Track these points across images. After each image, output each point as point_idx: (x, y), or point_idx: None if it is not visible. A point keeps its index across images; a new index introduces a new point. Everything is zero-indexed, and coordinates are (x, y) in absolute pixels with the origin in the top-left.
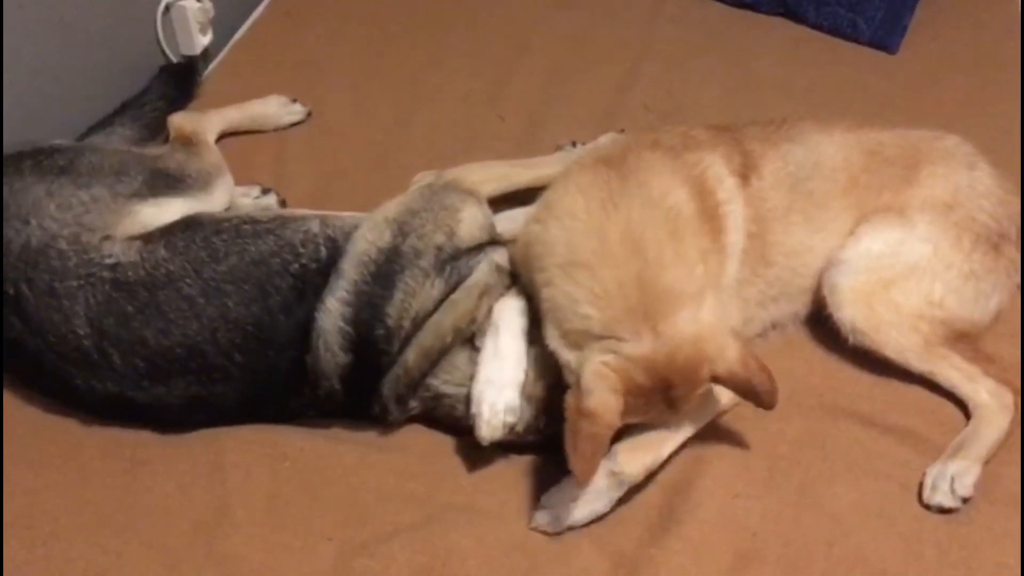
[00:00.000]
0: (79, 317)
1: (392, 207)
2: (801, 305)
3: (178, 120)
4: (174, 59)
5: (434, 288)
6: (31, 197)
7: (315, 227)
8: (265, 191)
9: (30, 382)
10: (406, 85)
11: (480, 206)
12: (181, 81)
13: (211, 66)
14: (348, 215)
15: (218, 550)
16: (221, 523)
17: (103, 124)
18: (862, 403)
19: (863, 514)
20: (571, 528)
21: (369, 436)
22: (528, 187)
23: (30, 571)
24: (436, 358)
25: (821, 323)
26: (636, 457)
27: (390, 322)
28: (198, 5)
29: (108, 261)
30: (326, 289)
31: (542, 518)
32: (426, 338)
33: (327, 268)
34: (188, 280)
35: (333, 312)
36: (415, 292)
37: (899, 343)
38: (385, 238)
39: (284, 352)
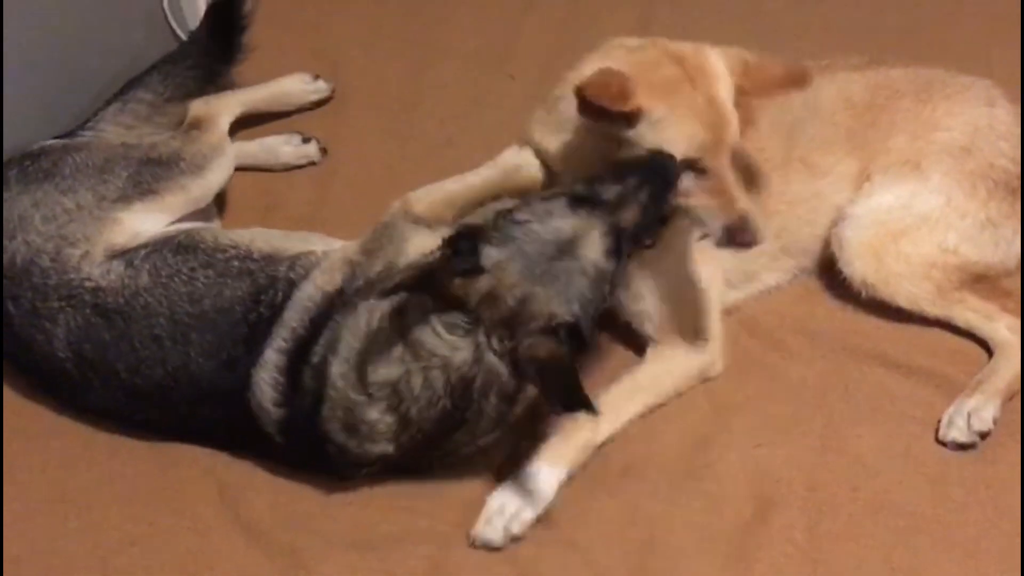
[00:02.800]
0: (59, 340)
1: (351, 247)
2: (816, 255)
3: (195, 106)
4: (182, 34)
5: (359, 316)
6: (17, 210)
7: (283, 270)
8: (306, 140)
9: (33, 388)
10: (414, 45)
11: (431, 233)
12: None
13: None
14: (321, 251)
15: (244, 515)
16: (246, 490)
17: (121, 92)
18: (884, 346)
19: (887, 456)
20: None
21: None
22: (488, 194)
23: (65, 544)
24: (361, 366)
25: (832, 271)
26: (569, 448)
27: (315, 359)
28: None
29: (89, 284)
30: (266, 340)
31: (488, 533)
32: (345, 344)
33: (277, 315)
34: (162, 319)
35: (269, 363)
36: (341, 325)
37: (911, 292)
38: (336, 280)
39: (233, 409)
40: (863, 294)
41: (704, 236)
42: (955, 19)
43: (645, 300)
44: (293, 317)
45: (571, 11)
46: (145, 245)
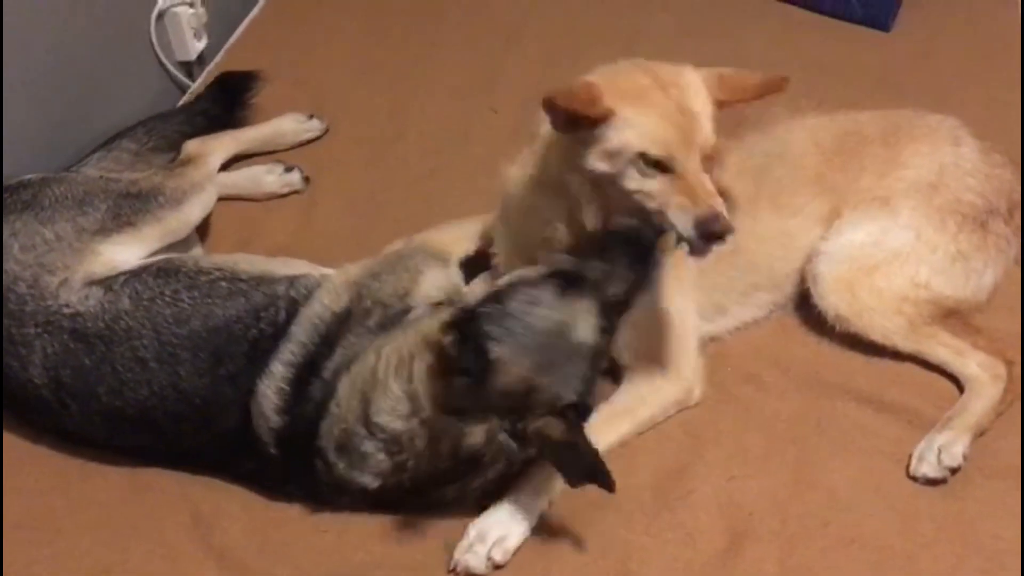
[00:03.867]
0: (35, 366)
1: (355, 269)
2: (790, 293)
3: (190, 144)
4: (169, 65)
5: (368, 353)
6: None
7: (282, 289)
8: (288, 169)
9: (8, 414)
10: (399, 80)
11: (444, 269)
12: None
13: (205, 71)
14: (319, 274)
15: (217, 543)
16: (220, 517)
17: (108, 142)
18: (857, 380)
19: (859, 491)
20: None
21: None
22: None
23: (37, 570)
24: (368, 397)
25: (809, 306)
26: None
27: (326, 375)
28: (191, 11)
29: (67, 311)
30: (273, 354)
31: (470, 560)
32: (357, 375)
33: (282, 332)
34: (145, 341)
35: (276, 375)
36: (355, 349)
37: (884, 327)
38: (342, 301)
39: (229, 422)
40: (837, 328)
41: (680, 241)
42: (930, 59)
43: (619, 330)
44: (301, 333)
45: (554, 46)
46: (124, 272)
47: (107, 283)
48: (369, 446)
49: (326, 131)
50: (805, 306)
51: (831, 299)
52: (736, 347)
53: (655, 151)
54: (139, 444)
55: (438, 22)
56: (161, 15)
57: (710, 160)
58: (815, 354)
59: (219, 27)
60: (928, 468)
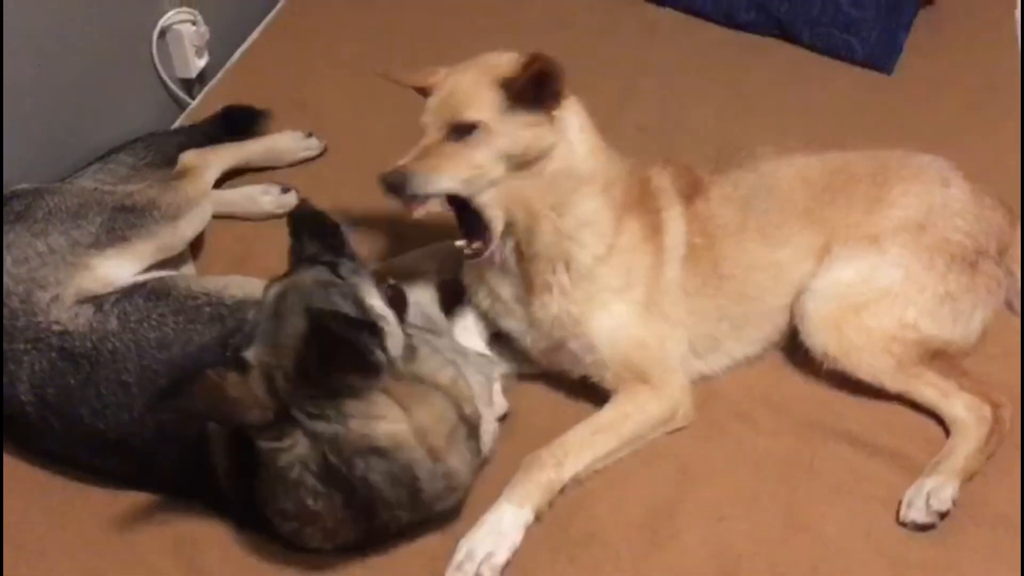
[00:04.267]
0: (23, 383)
1: None
2: (783, 327)
3: (187, 156)
4: (169, 82)
5: None
6: None
7: (251, 314)
8: (285, 190)
9: None
10: (399, 104)
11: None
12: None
13: (207, 88)
14: None
15: (198, 565)
16: (201, 542)
17: (106, 155)
18: (849, 423)
19: (849, 535)
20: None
21: None
22: None
23: None
24: None
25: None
26: (533, 488)
27: None
28: (194, 28)
29: (56, 328)
30: None
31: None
32: None
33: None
34: (129, 365)
35: None
36: None
37: (871, 366)
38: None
39: (196, 454)
40: (825, 366)
41: None
42: (931, 103)
43: (598, 350)
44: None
45: None
46: (117, 291)
47: (98, 302)
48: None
49: (324, 151)
50: (798, 346)
51: (819, 337)
52: (729, 385)
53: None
54: (119, 469)
55: (440, 48)
56: (164, 32)
57: (461, 130)
58: (808, 395)
59: (221, 46)
60: (917, 513)
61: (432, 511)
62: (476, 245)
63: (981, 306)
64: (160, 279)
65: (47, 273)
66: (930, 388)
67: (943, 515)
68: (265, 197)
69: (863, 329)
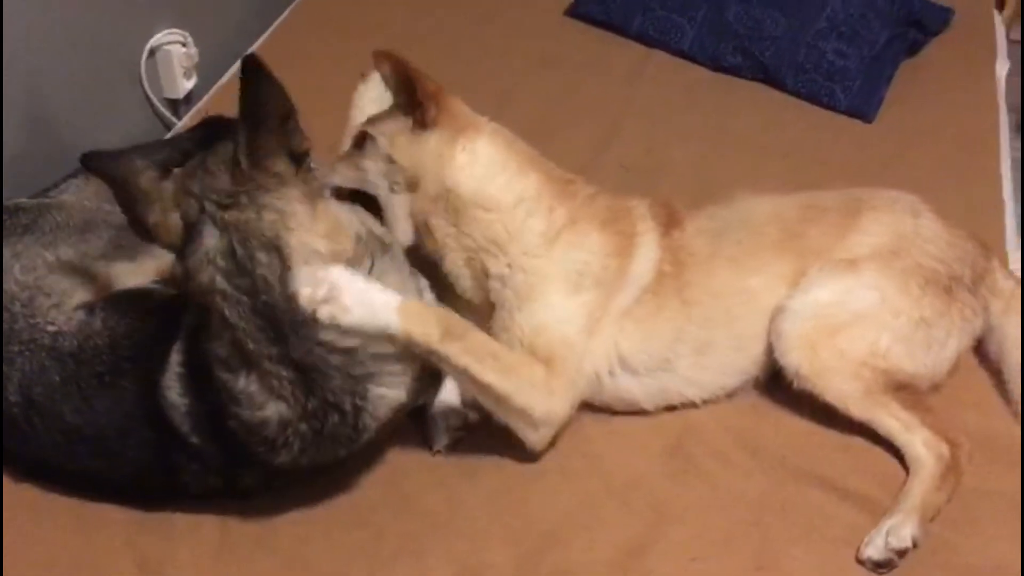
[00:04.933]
0: (12, 383)
1: None
2: (757, 358)
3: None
4: (156, 102)
5: None
6: None
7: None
8: None
9: None
10: None
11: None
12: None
13: (192, 110)
14: None
15: None
16: (166, 565)
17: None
18: (823, 467)
19: None
20: None
21: (316, 491)
22: None
23: None
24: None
25: (783, 387)
26: (423, 318)
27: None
28: (183, 50)
29: (50, 329)
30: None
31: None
32: None
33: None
34: (105, 357)
35: (172, 363)
36: None
37: (841, 389)
38: None
39: (158, 428)
40: (795, 384)
41: None
42: (910, 153)
43: (528, 329)
44: (182, 343)
45: (543, 113)
46: (103, 299)
47: (90, 306)
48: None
49: None
50: (775, 386)
51: (793, 356)
52: (707, 424)
53: None
54: (92, 466)
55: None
56: (153, 51)
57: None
58: (784, 436)
59: (210, 67)
60: (874, 551)
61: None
62: None
63: (956, 334)
64: (140, 287)
65: (53, 282)
66: (893, 419)
67: (901, 553)
68: None
69: (837, 351)
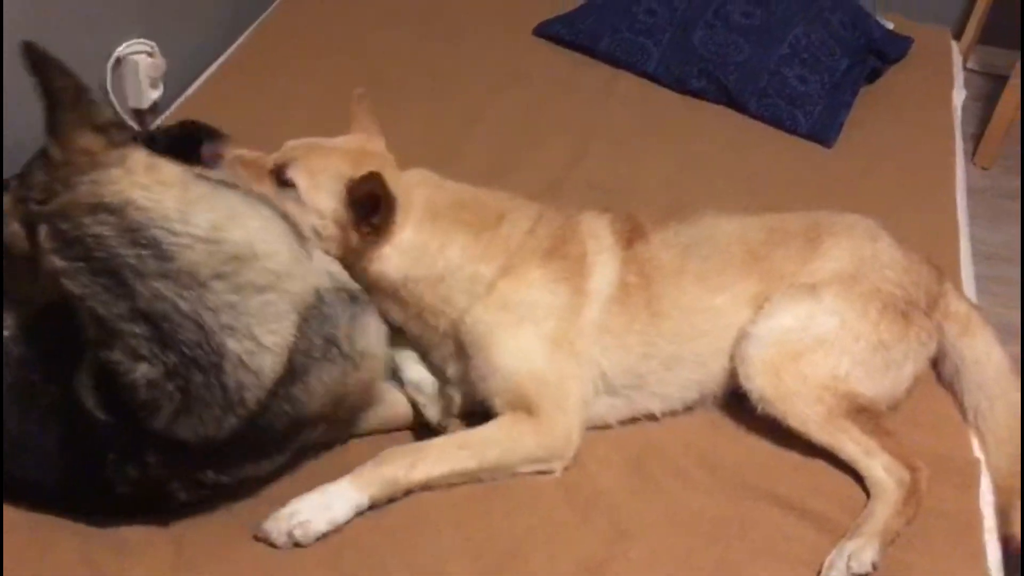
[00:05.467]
0: None
1: None
2: (716, 373)
3: None
4: (122, 112)
5: None
6: None
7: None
8: None
9: None
10: None
11: None
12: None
13: (157, 121)
14: None
15: None
16: None
17: None
18: (782, 486)
19: None
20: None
21: (272, 504)
22: None
23: None
24: None
25: (741, 406)
26: (377, 477)
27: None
28: (150, 60)
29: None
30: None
31: (271, 529)
32: None
33: None
34: (35, 363)
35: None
36: None
37: (803, 413)
38: None
39: (84, 424)
40: (758, 408)
41: None
42: (868, 177)
43: (497, 373)
44: None
45: (512, 132)
46: None
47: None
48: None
49: None
50: (733, 404)
51: (758, 381)
52: (667, 442)
53: None
54: (33, 477)
55: (399, 100)
56: (119, 60)
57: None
58: (743, 455)
59: (177, 78)
60: (836, 574)
61: (203, 281)
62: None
63: (912, 357)
64: None
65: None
66: (853, 444)
67: None
68: None
69: (799, 376)
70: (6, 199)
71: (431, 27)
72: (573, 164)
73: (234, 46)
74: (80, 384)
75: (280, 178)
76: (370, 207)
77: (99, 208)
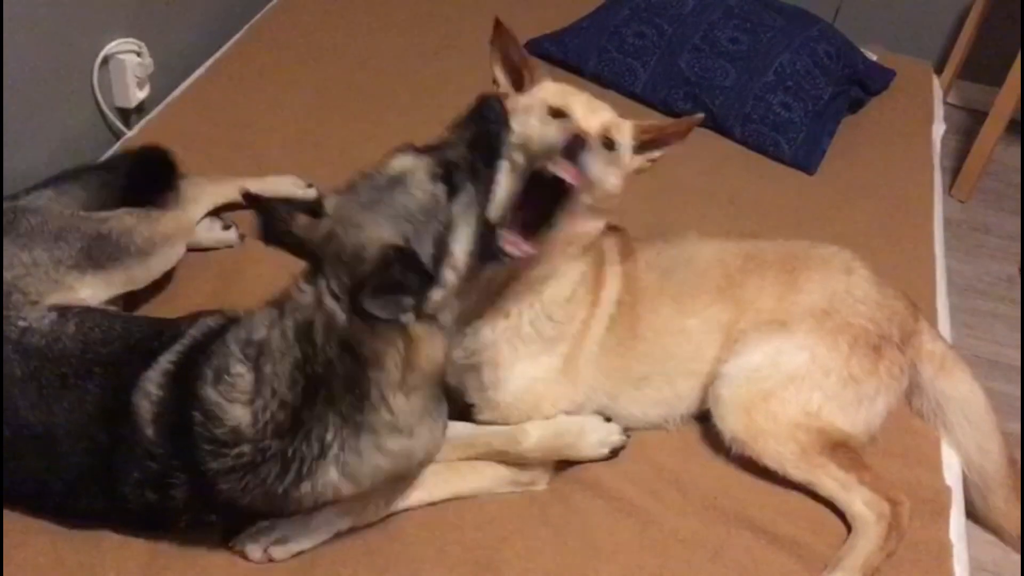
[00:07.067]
0: None
1: None
2: (683, 395)
3: (183, 183)
4: (107, 110)
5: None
6: None
7: (184, 324)
8: (226, 227)
9: None
10: (341, 159)
11: None
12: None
13: (143, 121)
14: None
15: None
16: None
17: (59, 179)
18: (754, 510)
19: None
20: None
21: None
22: None
23: None
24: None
25: (711, 429)
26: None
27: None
28: (138, 60)
29: (21, 324)
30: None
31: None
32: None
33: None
34: (73, 360)
35: (162, 362)
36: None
37: (777, 452)
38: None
39: (118, 437)
40: (732, 449)
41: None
42: (848, 204)
43: (501, 391)
44: (184, 341)
45: None
46: (81, 306)
47: (63, 310)
48: (237, 367)
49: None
50: (708, 428)
51: (729, 421)
52: (641, 464)
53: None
54: (33, 469)
55: (384, 108)
56: (107, 59)
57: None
58: (716, 479)
59: (164, 79)
60: None
61: (362, 432)
62: (523, 246)
63: (884, 391)
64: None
65: (30, 283)
66: (831, 480)
67: None
68: (207, 233)
69: (770, 415)
70: (314, 227)
71: (421, 38)
72: None
73: (223, 49)
74: (143, 392)
75: (607, 143)
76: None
77: (353, 352)
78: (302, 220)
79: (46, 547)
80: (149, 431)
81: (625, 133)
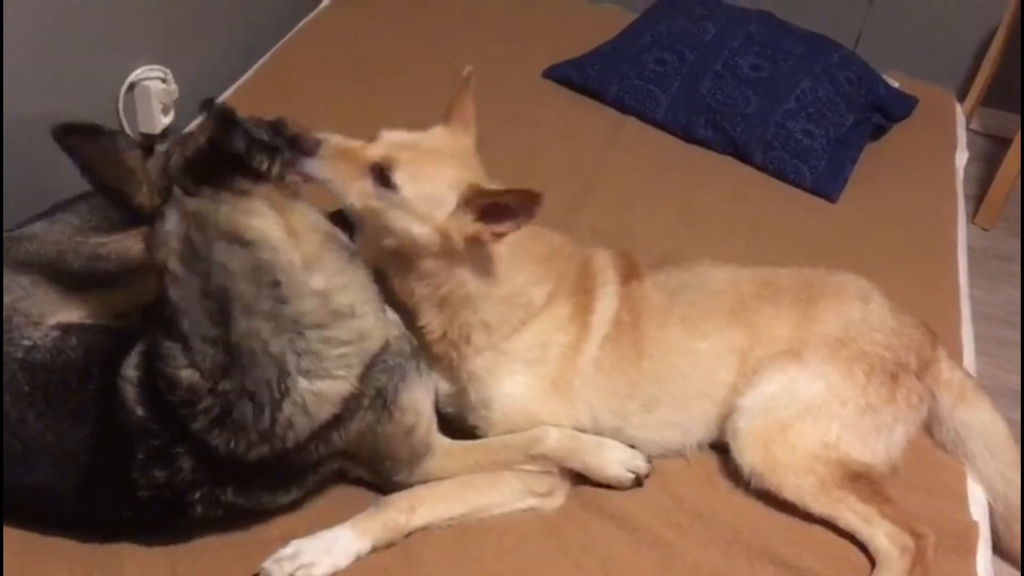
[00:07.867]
0: None
1: None
2: (697, 418)
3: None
4: (133, 136)
5: None
6: None
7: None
8: None
9: None
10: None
11: None
12: None
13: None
14: None
15: None
16: None
17: (52, 210)
18: (776, 543)
19: None
20: None
21: (262, 533)
22: None
23: None
24: None
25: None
26: (378, 523)
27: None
28: (163, 86)
29: (26, 343)
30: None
31: (273, 571)
32: None
33: None
34: (76, 366)
35: (136, 348)
36: None
37: (796, 485)
38: None
39: (116, 424)
40: (752, 483)
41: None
42: (869, 233)
43: (492, 411)
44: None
45: (515, 173)
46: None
47: (67, 327)
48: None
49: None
50: (728, 459)
51: (747, 455)
52: (661, 496)
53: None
54: (46, 477)
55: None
56: (132, 86)
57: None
58: (738, 511)
59: (189, 105)
60: None
61: (302, 329)
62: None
63: (902, 420)
64: None
65: (30, 305)
66: (852, 514)
67: None
68: None
69: (788, 447)
70: (153, 165)
71: (442, 63)
72: (575, 208)
73: (247, 75)
74: (124, 378)
75: (382, 177)
76: (490, 215)
77: (235, 239)
78: (134, 155)
79: (68, 569)
80: (140, 411)
81: (437, 184)
